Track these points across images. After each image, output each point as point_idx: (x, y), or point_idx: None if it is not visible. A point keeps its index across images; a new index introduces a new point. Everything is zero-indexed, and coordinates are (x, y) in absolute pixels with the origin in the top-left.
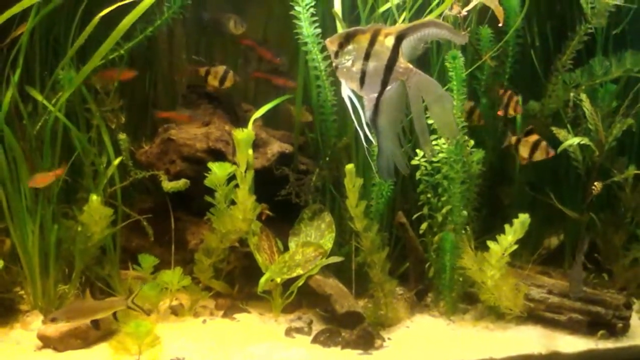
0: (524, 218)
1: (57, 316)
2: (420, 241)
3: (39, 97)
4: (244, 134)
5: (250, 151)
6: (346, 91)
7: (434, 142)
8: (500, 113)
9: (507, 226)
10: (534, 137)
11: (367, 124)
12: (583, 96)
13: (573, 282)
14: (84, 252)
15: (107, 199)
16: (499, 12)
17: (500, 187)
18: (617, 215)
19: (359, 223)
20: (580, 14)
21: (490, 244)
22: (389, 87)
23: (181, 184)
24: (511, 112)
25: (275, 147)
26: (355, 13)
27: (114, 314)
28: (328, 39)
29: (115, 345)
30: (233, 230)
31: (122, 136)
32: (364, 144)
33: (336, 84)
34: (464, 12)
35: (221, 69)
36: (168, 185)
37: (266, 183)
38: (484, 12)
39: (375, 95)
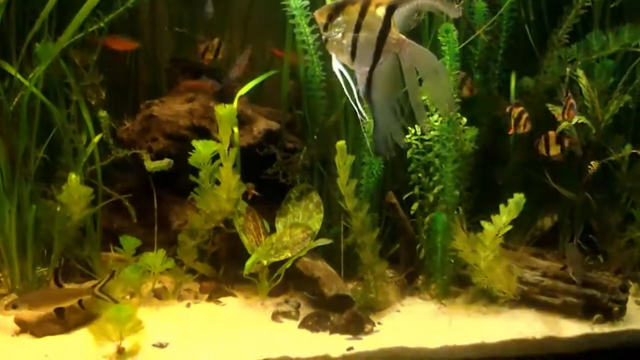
0: (518, 198)
1: (17, 303)
2: (411, 222)
3: (12, 71)
4: (226, 110)
5: (236, 129)
6: (337, 65)
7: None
8: (510, 132)
9: (501, 206)
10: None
11: (360, 99)
12: (579, 72)
13: (574, 266)
14: (63, 233)
15: (87, 178)
16: None
17: (493, 167)
18: (613, 195)
19: (350, 202)
20: None
21: (484, 224)
22: (381, 60)
23: (164, 163)
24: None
25: (262, 125)
26: None
27: (80, 303)
28: (316, 11)
29: (95, 331)
30: (217, 210)
31: (103, 113)
32: (359, 118)
33: (325, 59)
34: None
35: (216, 41)
36: (151, 164)
37: (252, 162)
38: None
39: (368, 68)
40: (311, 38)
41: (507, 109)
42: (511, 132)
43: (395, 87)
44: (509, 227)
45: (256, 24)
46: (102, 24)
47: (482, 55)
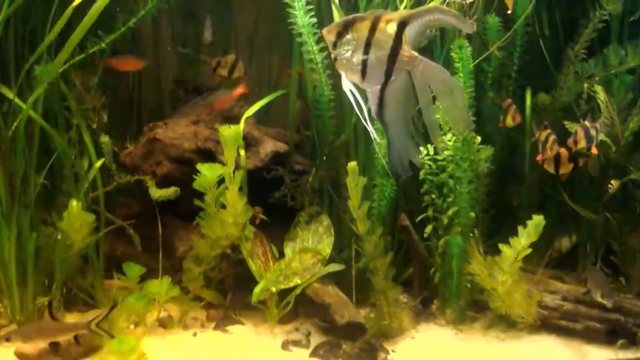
0: (537, 220)
1: (11, 335)
2: (425, 245)
3: (10, 95)
4: (231, 131)
5: (242, 151)
6: (347, 84)
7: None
8: (539, 158)
9: (520, 228)
10: (546, 132)
11: (372, 118)
12: (598, 88)
13: (602, 288)
14: (65, 262)
15: (89, 205)
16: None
17: (509, 186)
18: (634, 215)
19: (362, 225)
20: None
21: (502, 247)
22: (393, 78)
23: (171, 192)
24: (548, 153)
25: (269, 146)
26: (353, 1)
27: (76, 337)
28: (325, 29)
29: None
30: (224, 235)
31: (105, 138)
32: (372, 138)
33: (333, 77)
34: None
35: (230, 58)
36: (156, 193)
37: (260, 185)
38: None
39: (379, 87)
40: (319, 56)
41: (536, 134)
42: (539, 158)
43: (408, 106)
44: (528, 251)
45: (262, 42)
46: (103, 45)
47: (495, 72)
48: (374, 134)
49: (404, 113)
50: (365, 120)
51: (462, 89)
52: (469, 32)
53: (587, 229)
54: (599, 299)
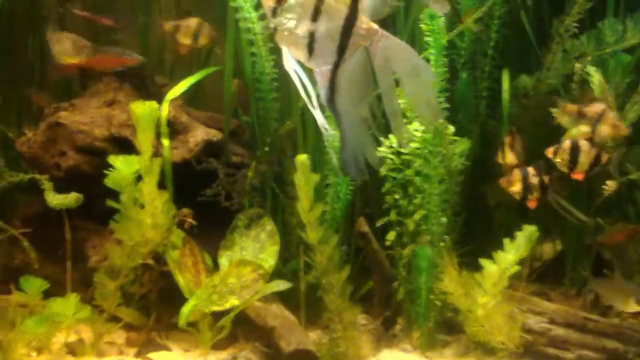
0: (530, 231)
1: None
2: (387, 254)
3: None
4: (145, 108)
5: (166, 140)
6: (290, 63)
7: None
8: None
9: (506, 241)
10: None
11: (321, 106)
12: (591, 69)
13: (632, 294)
14: None
15: None
16: None
17: (484, 184)
18: (630, 219)
19: (313, 233)
20: None
21: (484, 263)
22: (347, 56)
23: (71, 199)
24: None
25: (200, 134)
26: None
27: None
28: None
29: None
30: (142, 241)
31: None
32: (322, 129)
33: (277, 52)
34: None
35: (194, 21)
36: (53, 199)
37: (189, 181)
38: None
39: (330, 67)
40: (258, 25)
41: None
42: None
43: (365, 91)
44: (516, 268)
45: (189, 7)
46: None
47: (469, 49)
48: (324, 124)
49: (360, 100)
50: (313, 107)
51: (430, 71)
52: (441, 13)
53: (574, 234)
54: (634, 308)
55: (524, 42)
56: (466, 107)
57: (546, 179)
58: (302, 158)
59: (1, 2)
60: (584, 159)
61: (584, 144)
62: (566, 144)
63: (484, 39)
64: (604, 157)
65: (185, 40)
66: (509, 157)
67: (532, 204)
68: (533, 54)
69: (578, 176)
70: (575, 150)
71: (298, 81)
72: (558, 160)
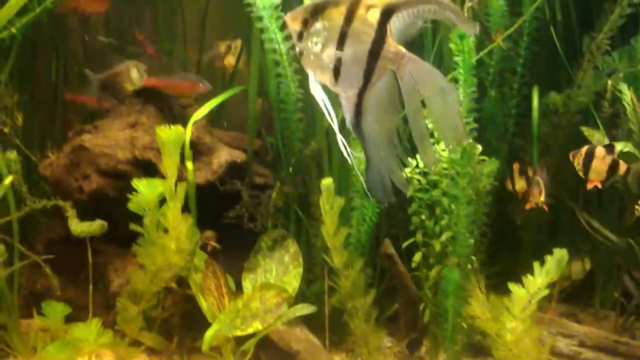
0: (560, 254)
1: None
2: (412, 276)
3: None
4: (171, 132)
5: (189, 163)
6: (316, 87)
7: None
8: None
9: (536, 264)
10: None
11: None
12: (623, 86)
13: None
14: None
15: None
16: None
17: (510, 203)
18: None
19: (338, 257)
20: None
21: (512, 287)
22: (374, 80)
23: (96, 227)
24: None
25: (224, 155)
26: None
27: None
28: (288, 15)
29: None
30: (166, 266)
31: (12, 155)
32: (347, 155)
33: (302, 72)
34: None
35: (240, 42)
36: (77, 227)
37: (212, 203)
38: None
39: (356, 91)
40: (284, 46)
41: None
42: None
43: (392, 115)
44: (546, 292)
45: (215, 28)
46: (13, 30)
47: (497, 66)
48: (348, 150)
49: (386, 124)
50: (339, 132)
51: (458, 96)
52: (471, 34)
53: (604, 253)
54: None
55: (554, 59)
56: (494, 125)
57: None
58: (327, 182)
59: (21, 31)
60: (598, 165)
61: (599, 150)
62: (583, 149)
63: (513, 56)
64: (622, 167)
65: (230, 60)
66: (519, 184)
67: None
68: (563, 70)
69: (592, 185)
70: (590, 155)
71: (324, 106)
72: (575, 164)
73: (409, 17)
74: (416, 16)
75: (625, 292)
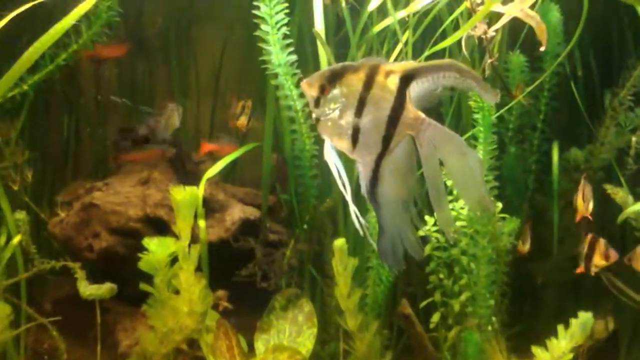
0: (585, 318)
1: None
2: (430, 336)
3: None
4: (186, 194)
5: (202, 222)
6: (331, 154)
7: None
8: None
9: (560, 328)
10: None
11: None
12: None
13: None
14: None
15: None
16: (541, 32)
17: (532, 262)
18: None
19: (352, 320)
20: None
21: (536, 350)
22: (392, 146)
23: (105, 290)
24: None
25: (237, 213)
26: (342, 34)
27: None
28: (305, 81)
29: None
30: (177, 328)
31: (20, 215)
32: (358, 227)
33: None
34: (491, 32)
35: (250, 102)
36: (86, 290)
37: (225, 260)
38: (514, 33)
39: (374, 157)
40: (299, 103)
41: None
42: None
43: (409, 182)
44: (570, 356)
45: (229, 84)
46: (25, 87)
47: (517, 122)
48: (363, 224)
49: (402, 190)
50: (351, 202)
51: (479, 160)
52: (492, 102)
53: (629, 313)
54: None
55: (574, 115)
56: (514, 182)
57: None
58: (339, 243)
59: (32, 87)
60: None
61: (587, 189)
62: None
63: (533, 111)
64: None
65: (243, 120)
66: (523, 246)
67: None
68: (583, 126)
69: (581, 214)
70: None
71: (337, 174)
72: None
73: (428, 83)
74: (436, 82)
75: None
